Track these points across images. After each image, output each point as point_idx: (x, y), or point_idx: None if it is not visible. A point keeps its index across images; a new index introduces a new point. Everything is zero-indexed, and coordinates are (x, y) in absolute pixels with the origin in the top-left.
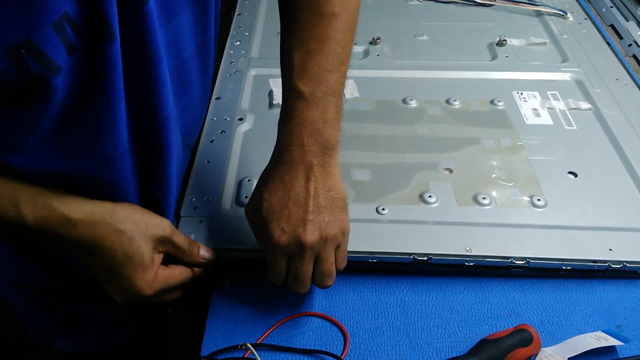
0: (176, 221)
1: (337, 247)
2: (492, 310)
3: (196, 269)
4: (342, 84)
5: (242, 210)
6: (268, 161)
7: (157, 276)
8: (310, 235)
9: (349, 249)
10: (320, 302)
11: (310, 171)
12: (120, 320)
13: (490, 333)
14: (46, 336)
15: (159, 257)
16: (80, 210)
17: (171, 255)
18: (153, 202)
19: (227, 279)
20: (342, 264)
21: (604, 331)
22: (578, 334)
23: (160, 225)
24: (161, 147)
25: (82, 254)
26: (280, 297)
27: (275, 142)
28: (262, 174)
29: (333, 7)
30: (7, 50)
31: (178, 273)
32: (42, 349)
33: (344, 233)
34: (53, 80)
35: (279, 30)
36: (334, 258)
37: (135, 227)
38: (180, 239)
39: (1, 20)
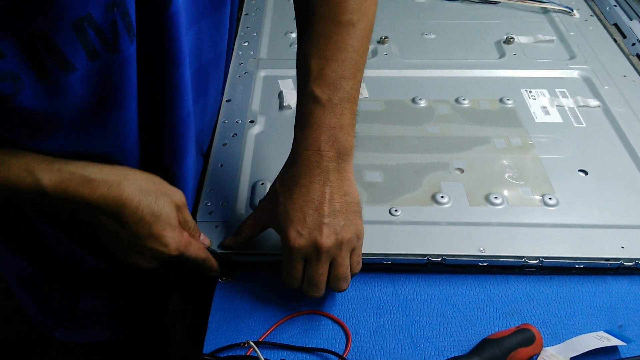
0: None
1: (352, 251)
2: (495, 310)
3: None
4: (358, 91)
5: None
6: (280, 164)
7: (182, 234)
8: (327, 239)
9: (363, 251)
10: (322, 300)
11: (326, 176)
12: (119, 310)
13: (493, 332)
14: (47, 326)
15: (179, 219)
16: (100, 171)
17: None
18: None
19: (229, 277)
20: (357, 268)
21: (606, 331)
22: (580, 334)
23: (177, 193)
24: (178, 146)
25: (106, 217)
26: (282, 295)
27: (287, 145)
28: (277, 177)
29: (351, 15)
30: (18, 39)
31: (198, 245)
32: (45, 342)
33: (359, 237)
34: (66, 77)
35: (287, 31)
36: (349, 262)
37: (157, 188)
38: (189, 215)
39: (20, 8)
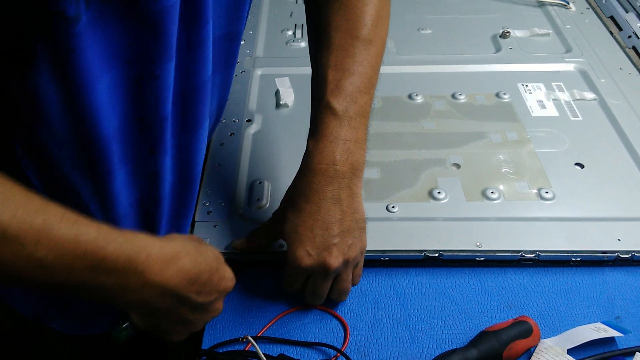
0: (191, 227)
1: (356, 265)
2: (492, 302)
3: None
4: (371, 107)
5: (255, 212)
6: (278, 162)
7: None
8: (335, 260)
9: None
10: None
11: (338, 193)
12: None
13: (490, 325)
14: (42, 317)
15: None
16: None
17: None
18: (184, 171)
19: None
20: (358, 280)
21: (604, 322)
22: (577, 326)
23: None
24: (197, 112)
25: (169, 302)
26: (280, 290)
27: (284, 143)
28: (288, 188)
29: (369, 32)
30: None
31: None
32: (41, 333)
33: (363, 252)
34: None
35: (283, 28)
36: (351, 277)
37: (192, 241)
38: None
39: None
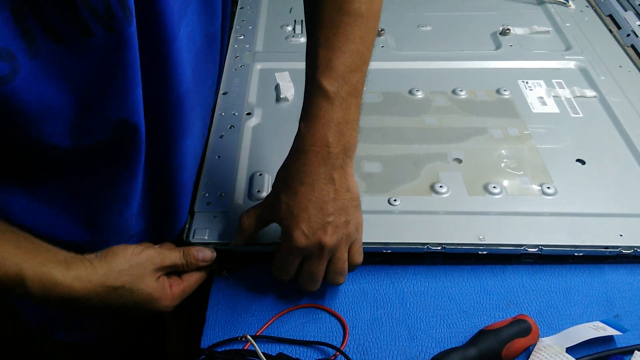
0: (190, 217)
1: (353, 243)
2: (491, 301)
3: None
4: (363, 84)
5: (255, 204)
6: (278, 155)
7: (173, 294)
8: (330, 238)
9: (363, 241)
10: (319, 294)
11: (331, 174)
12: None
13: (489, 323)
14: (46, 327)
15: (164, 280)
16: (78, 278)
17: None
18: (167, 183)
19: (226, 271)
20: (359, 258)
21: (602, 321)
22: (576, 324)
23: (147, 259)
24: (178, 124)
25: (98, 312)
26: (279, 288)
27: (285, 137)
28: (279, 171)
29: (360, 5)
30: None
31: (192, 280)
32: (44, 339)
33: (358, 229)
34: (58, 51)
35: (282, 24)
36: (347, 256)
37: (127, 277)
38: (172, 257)
39: None
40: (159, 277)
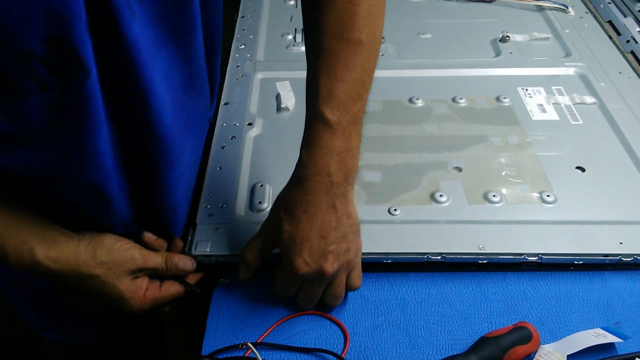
0: (192, 229)
1: (353, 268)
2: (492, 308)
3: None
4: (364, 112)
5: (256, 215)
6: (279, 166)
7: (145, 298)
8: (331, 266)
9: (364, 251)
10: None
11: (333, 202)
12: (112, 314)
13: (490, 330)
14: (36, 325)
15: (142, 281)
16: (57, 260)
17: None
18: (158, 208)
19: (226, 278)
20: (358, 283)
21: (603, 328)
22: (577, 331)
23: (129, 259)
24: (163, 159)
25: (73, 290)
26: (281, 297)
27: (285, 147)
28: (280, 196)
29: (360, 34)
30: None
31: (169, 292)
32: (43, 341)
33: (358, 254)
34: (19, 104)
35: (283, 32)
36: (345, 282)
37: (105, 269)
38: (154, 261)
39: None
40: (136, 277)
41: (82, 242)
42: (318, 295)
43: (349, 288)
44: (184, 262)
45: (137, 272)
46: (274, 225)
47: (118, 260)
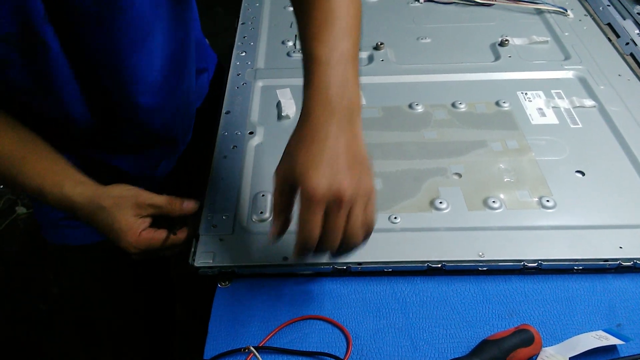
0: (195, 241)
1: (367, 203)
2: (493, 311)
3: (180, 235)
4: (357, 50)
5: (258, 226)
6: None
7: (140, 237)
8: (349, 186)
9: (363, 259)
10: (322, 305)
11: (340, 131)
12: None
13: (492, 333)
14: (57, 232)
15: (142, 222)
16: (81, 194)
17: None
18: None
19: (229, 281)
20: (375, 217)
21: (605, 330)
22: (579, 334)
23: (135, 194)
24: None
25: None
26: (283, 300)
27: None
28: (290, 140)
29: None
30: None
31: (162, 233)
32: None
33: (371, 193)
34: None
35: (284, 39)
36: (361, 216)
37: (112, 202)
38: (158, 199)
39: None
40: (139, 214)
41: (100, 186)
42: (341, 227)
43: (367, 225)
44: (188, 203)
45: (141, 209)
46: (287, 164)
47: (124, 194)
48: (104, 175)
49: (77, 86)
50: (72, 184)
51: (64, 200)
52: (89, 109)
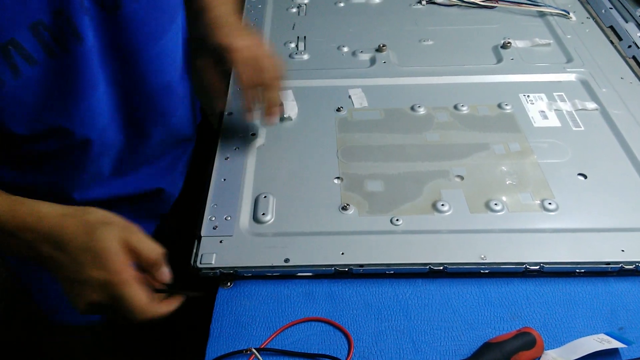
0: (197, 242)
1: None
2: (496, 313)
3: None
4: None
5: (260, 227)
6: (282, 176)
7: (125, 269)
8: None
9: (365, 261)
10: (324, 307)
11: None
12: None
13: (494, 336)
14: (54, 309)
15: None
16: (51, 206)
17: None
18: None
19: (230, 282)
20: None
21: (607, 333)
22: (581, 337)
23: (126, 225)
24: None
25: (47, 248)
26: (284, 302)
27: (289, 156)
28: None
29: None
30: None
31: (139, 287)
32: (57, 327)
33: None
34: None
35: (285, 41)
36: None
37: (102, 218)
38: (146, 246)
39: None
40: (122, 245)
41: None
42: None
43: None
44: (164, 273)
45: (129, 240)
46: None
47: (114, 220)
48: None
49: (108, 89)
50: (48, 205)
51: (39, 224)
52: (119, 122)
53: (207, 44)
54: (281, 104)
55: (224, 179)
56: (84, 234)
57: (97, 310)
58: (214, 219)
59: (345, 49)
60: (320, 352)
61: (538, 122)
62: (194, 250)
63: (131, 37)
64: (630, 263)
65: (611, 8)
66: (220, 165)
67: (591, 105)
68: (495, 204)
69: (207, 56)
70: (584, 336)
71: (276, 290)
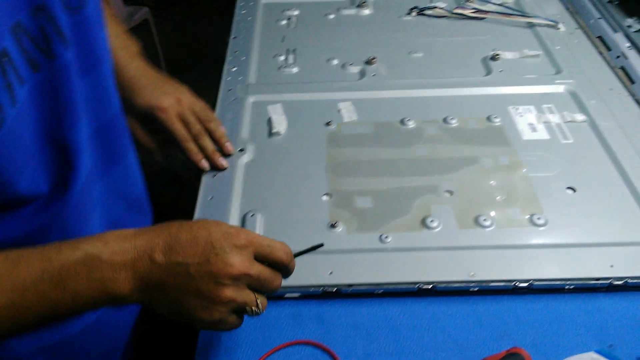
0: None
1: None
2: (485, 332)
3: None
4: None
5: None
6: (271, 193)
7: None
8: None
9: (354, 281)
10: (311, 329)
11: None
12: None
13: (484, 357)
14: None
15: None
16: (128, 249)
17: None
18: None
19: None
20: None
21: (597, 351)
22: (571, 355)
23: (239, 230)
24: (118, 144)
25: (159, 257)
26: (270, 324)
27: (277, 173)
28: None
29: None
30: None
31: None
32: None
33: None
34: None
35: (275, 54)
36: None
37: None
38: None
39: None
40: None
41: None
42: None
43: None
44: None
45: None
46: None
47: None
48: None
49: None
50: (98, 244)
51: (95, 262)
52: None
53: (130, 105)
54: (270, 119)
55: (211, 198)
56: (187, 232)
57: (233, 312)
58: None
59: (335, 62)
60: None
61: (527, 135)
62: None
63: (94, 43)
64: (620, 279)
65: (600, 18)
66: (207, 183)
67: (580, 117)
68: (485, 220)
69: (132, 116)
70: (574, 355)
71: (262, 314)
